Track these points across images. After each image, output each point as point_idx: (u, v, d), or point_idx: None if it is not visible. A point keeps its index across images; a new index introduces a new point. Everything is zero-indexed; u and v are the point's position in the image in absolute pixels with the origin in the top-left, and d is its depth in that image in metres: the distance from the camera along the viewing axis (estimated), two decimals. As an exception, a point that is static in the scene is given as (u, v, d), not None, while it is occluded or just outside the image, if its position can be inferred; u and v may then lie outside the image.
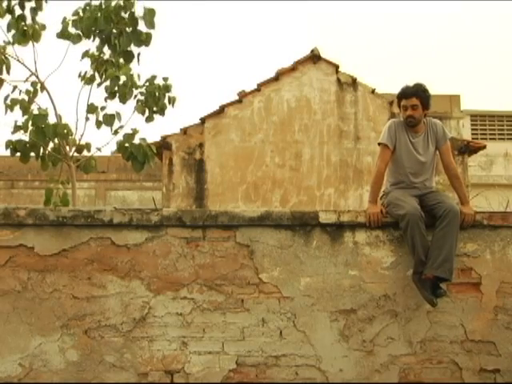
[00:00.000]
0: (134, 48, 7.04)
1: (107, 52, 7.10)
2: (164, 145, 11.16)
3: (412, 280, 4.55)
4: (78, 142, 7.14)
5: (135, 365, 4.46)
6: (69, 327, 4.48)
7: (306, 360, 4.52)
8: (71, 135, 7.02)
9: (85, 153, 7.31)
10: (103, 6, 6.85)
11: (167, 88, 7.28)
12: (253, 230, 4.60)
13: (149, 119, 7.29)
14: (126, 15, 6.90)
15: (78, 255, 4.53)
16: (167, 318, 4.50)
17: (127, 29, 6.86)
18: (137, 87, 7.16)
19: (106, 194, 17.26)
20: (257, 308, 4.53)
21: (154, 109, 7.25)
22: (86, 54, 7.11)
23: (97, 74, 7.15)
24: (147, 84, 7.22)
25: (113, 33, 6.85)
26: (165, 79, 7.27)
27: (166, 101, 7.29)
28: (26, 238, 4.53)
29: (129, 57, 7.05)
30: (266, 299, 4.55)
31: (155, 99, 7.20)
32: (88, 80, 7.15)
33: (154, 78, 7.26)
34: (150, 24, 6.82)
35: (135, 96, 7.23)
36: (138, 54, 7.10)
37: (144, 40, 6.92)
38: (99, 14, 6.79)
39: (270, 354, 4.50)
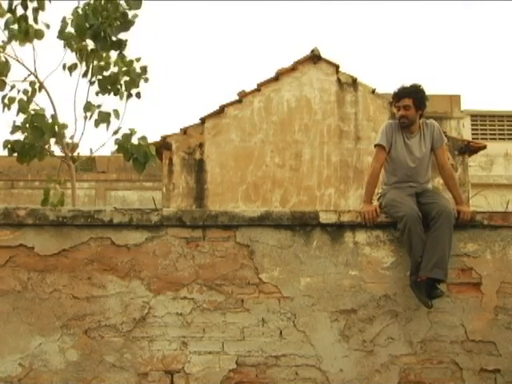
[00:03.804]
0: (123, 36, 7.21)
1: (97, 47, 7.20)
2: (164, 145, 11.15)
3: (409, 281, 4.55)
4: (71, 140, 7.23)
5: (135, 365, 4.46)
6: (69, 327, 4.47)
7: (306, 360, 4.51)
8: (64, 136, 7.10)
9: (82, 152, 7.44)
10: (91, 1, 6.96)
11: (145, 71, 7.41)
12: (253, 230, 4.60)
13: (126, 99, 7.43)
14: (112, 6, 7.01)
15: (78, 255, 4.53)
16: (167, 318, 4.50)
17: (116, 21, 6.96)
18: (124, 74, 7.35)
19: (105, 194, 17.25)
20: (257, 308, 4.53)
21: (132, 92, 7.43)
22: (68, 45, 7.18)
23: (83, 64, 7.28)
24: (125, 68, 7.37)
25: (102, 25, 6.93)
26: (137, 59, 7.41)
27: (142, 83, 7.47)
28: (25, 238, 4.53)
29: (119, 45, 7.14)
30: (266, 299, 4.54)
31: (135, 83, 7.33)
32: (73, 68, 7.25)
33: (131, 62, 7.41)
34: (136, 5, 6.94)
35: (119, 83, 7.41)
36: (126, 41, 7.17)
37: (130, 22, 7.03)
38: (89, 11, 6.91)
39: (270, 354, 4.50)
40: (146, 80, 7.42)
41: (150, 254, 4.55)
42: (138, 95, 7.44)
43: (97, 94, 7.32)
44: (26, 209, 4.56)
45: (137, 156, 6.98)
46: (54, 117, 7.00)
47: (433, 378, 4.54)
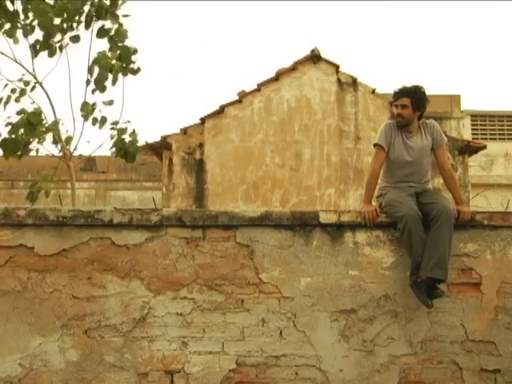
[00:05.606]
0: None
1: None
2: (164, 145, 11.15)
3: (409, 281, 4.55)
4: (66, 134, 7.44)
5: (135, 365, 4.46)
6: (69, 327, 4.47)
7: (306, 360, 4.51)
8: (60, 133, 7.27)
9: (76, 150, 7.84)
10: None
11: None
12: (253, 230, 4.60)
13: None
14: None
15: (78, 255, 4.53)
16: (167, 318, 4.50)
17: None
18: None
19: (106, 194, 17.25)
20: (257, 308, 4.53)
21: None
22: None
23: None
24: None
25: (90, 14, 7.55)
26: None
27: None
28: (25, 238, 4.52)
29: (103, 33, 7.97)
30: (266, 299, 4.54)
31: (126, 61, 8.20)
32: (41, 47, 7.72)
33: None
34: None
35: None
36: (103, 26, 8.08)
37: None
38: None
39: (270, 354, 4.50)
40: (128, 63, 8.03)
41: (150, 254, 4.55)
42: (135, 72, 8.21)
43: (93, 92, 7.58)
44: (25, 209, 4.56)
45: (127, 148, 7.44)
46: (54, 115, 7.14)
47: (433, 377, 4.54)
